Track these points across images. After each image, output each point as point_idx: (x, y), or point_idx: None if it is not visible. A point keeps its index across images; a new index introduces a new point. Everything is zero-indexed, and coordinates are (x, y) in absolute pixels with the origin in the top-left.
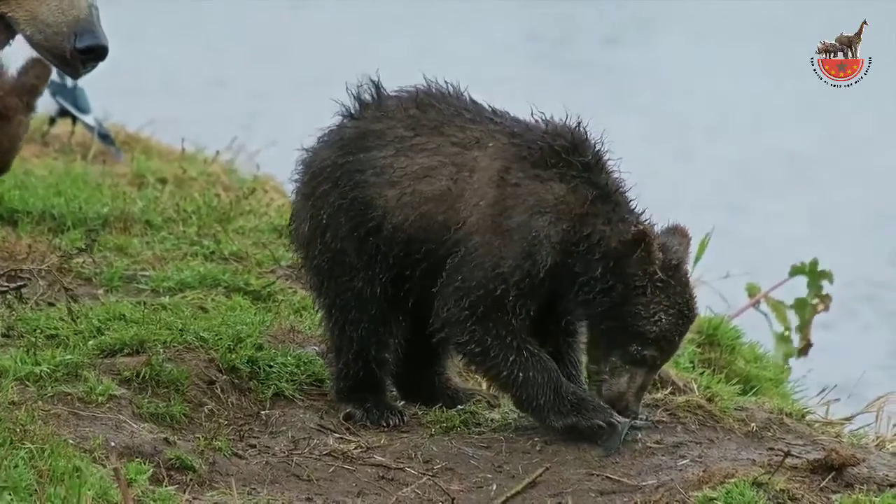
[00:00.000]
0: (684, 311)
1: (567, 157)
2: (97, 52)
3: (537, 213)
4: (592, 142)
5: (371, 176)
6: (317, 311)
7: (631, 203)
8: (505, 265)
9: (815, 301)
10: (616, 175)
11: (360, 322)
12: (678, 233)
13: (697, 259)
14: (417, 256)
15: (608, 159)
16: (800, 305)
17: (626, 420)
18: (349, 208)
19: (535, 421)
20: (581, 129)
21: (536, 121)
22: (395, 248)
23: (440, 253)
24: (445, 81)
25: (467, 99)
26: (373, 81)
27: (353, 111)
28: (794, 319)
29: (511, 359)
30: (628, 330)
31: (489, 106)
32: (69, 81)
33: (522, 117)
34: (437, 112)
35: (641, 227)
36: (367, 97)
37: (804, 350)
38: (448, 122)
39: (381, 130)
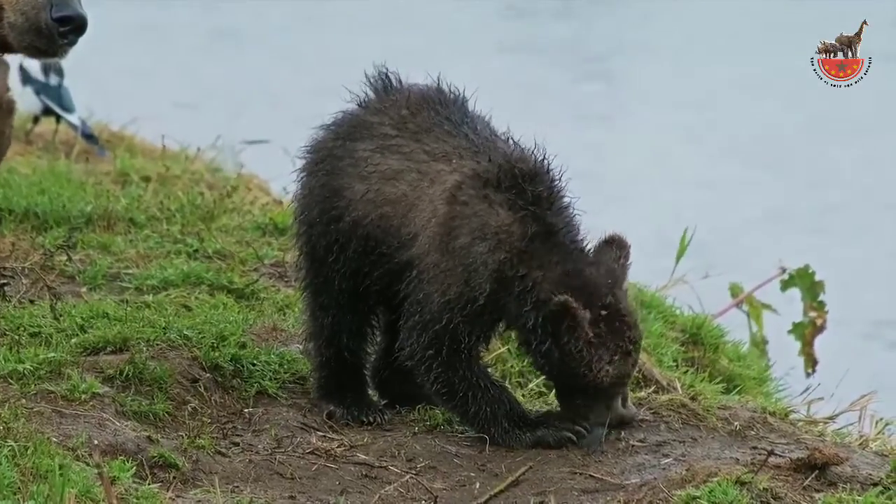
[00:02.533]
0: (628, 348)
1: (522, 183)
2: (75, 23)
3: (478, 237)
4: (551, 174)
5: (348, 166)
6: (300, 294)
7: (574, 245)
8: (451, 291)
9: (813, 315)
10: (567, 212)
11: (330, 308)
12: (615, 244)
13: (679, 257)
14: (373, 257)
15: (562, 195)
16: (797, 329)
17: (596, 426)
18: (319, 194)
19: (503, 445)
20: (543, 158)
21: (507, 140)
22: (352, 241)
23: (394, 259)
24: (449, 85)
25: (460, 106)
26: (383, 72)
27: (361, 99)
28: (795, 344)
29: (478, 396)
30: (579, 381)
31: (480, 116)
32: (53, 80)
33: (504, 137)
34: (423, 118)
35: (561, 299)
36: (380, 87)
37: (812, 368)
38: (428, 131)
39: (373, 124)
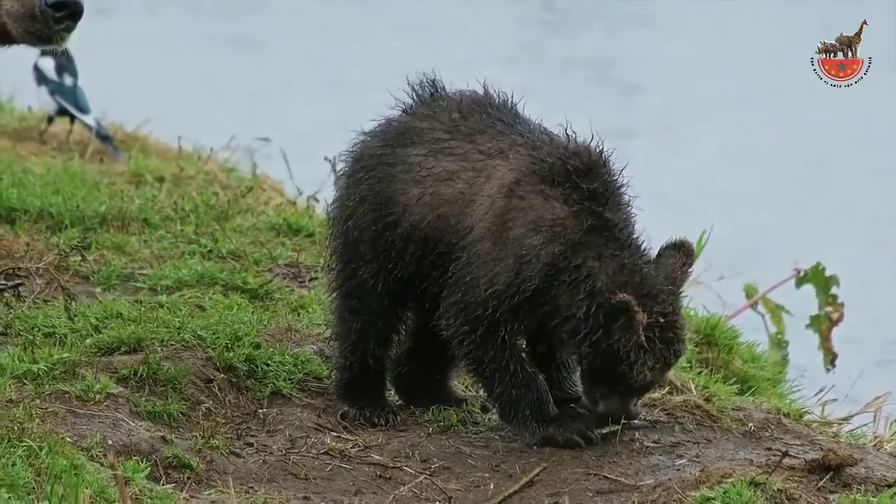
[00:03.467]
0: (671, 360)
1: (576, 178)
2: (70, 8)
3: (533, 230)
4: (607, 169)
5: (400, 172)
6: (328, 295)
7: (631, 240)
8: (499, 281)
9: (829, 310)
10: (625, 209)
11: (361, 313)
12: (681, 249)
13: (695, 257)
14: (431, 258)
15: (621, 190)
16: (814, 322)
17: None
18: (373, 200)
19: (514, 433)
20: (600, 153)
21: (563, 136)
22: (411, 246)
23: (453, 255)
24: (497, 90)
25: (510, 108)
26: (430, 78)
27: (407, 106)
28: (812, 338)
29: (506, 379)
30: (613, 376)
31: (530, 119)
32: (68, 80)
33: (555, 131)
34: (475, 121)
35: (624, 299)
36: (425, 93)
37: (832, 362)
38: (481, 132)
39: (423, 129)
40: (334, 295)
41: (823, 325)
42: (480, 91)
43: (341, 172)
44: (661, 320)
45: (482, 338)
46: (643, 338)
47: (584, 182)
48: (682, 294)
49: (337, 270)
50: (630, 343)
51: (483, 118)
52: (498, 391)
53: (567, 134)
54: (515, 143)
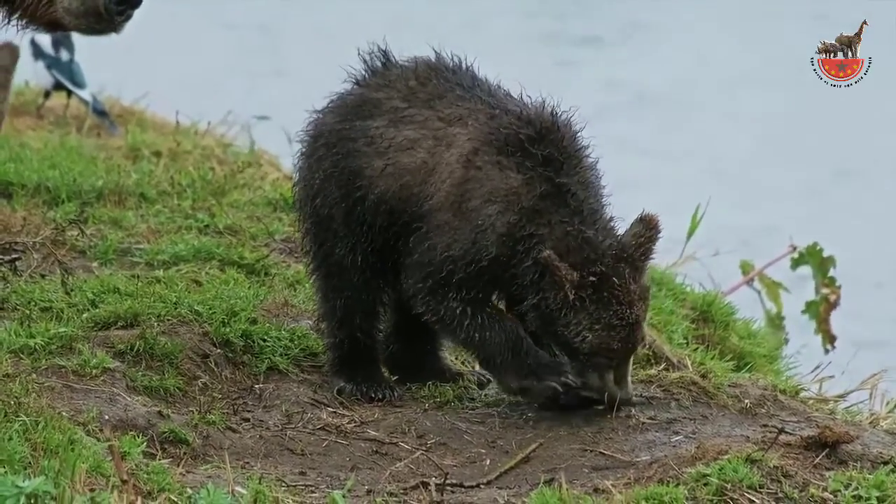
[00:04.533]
0: (613, 322)
1: (528, 146)
2: (131, 2)
3: (488, 201)
4: (563, 133)
5: (363, 145)
6: (309, 277)
7: (584, 206)
8: (455, 248)
9: (826, 291)
10: (584, 172)
11: (343, 290)
12: (644, 223)
13: (690, 234)
14: (396, 228)
15: (580, 153)
16: (811, 307)
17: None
18: (339, 176)
19: (493, 379)
20: (554, 118)
21: (520, 102)
22: (378, 218)
23: (413, 225)
24: (453, 54)
25: (468, 73)
26: (381, 49)
27: (359, 78)
28: (805, 321)
29: (466, 323)
30: (565, 342)
31: (488, 81)
32: (64, 55)
33: (514, 95)
34: (433, 86)
35: (545, 253)
36: (376, 64)
37: (831, 343)
38: (440, 97)
39: (380, 100)
40: (315, 276)
41: (821, 307)
42: (437, 55)
43: (300, 153)
44: (593, 279)
45: (433, 290)
46: (572, 296)
47: (536, 148)
48: (642, 263)
49: (313, 251)
50: (559, 301)
51: (441, 83)
52: (463, 338)
53: (522, 99)
54: (474, 109)
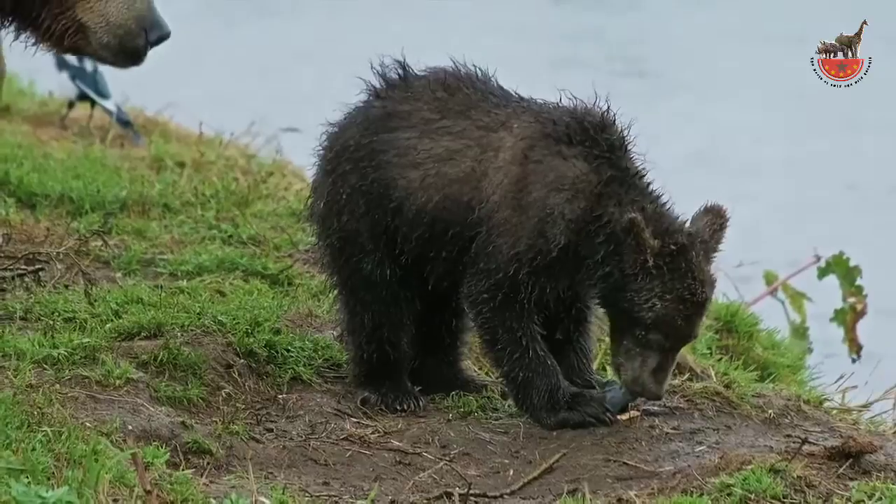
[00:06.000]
0: (685, 295)
1: (594, 134)
2: (166, 39)
3: (554, 189)
4: (619, 125)
5: (393, 157)
6: (330, 291)
7: (650, 188)
8: (521, 244)
9: (852, 300)
10: (638, 161)
11: (371, 304)
12: (713, 213)
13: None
14: (444, 238)
15: (632, 145)
16: (839, 316)
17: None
18: (369, 189)
19: (528, 418)
20: (609, 111)
21: (565, 103)
22: (417, 229)
23: (465, 234)
24: (473, 65)
25: (494, 83)
26: (398, 61)
27: (379, 91)
28: (837, 332)
29: (515, 356)
30: (628, 315)
31: (516, 92)
32: (88, 65)
33: (550, 101)
34: (464, 96)
35: (633, 216)
36: (394, 76)
37: (858, 353)
38: (475, 107)
39: (407, 112)
40: (339, 292)
41: (848, 316)
42: (460, 66)
43: (319, 169)
44: (673, 248)
45: (501, 304)
46: (651, 261)
47: (602, 136)
48: (714, 248)
49: (337, 267)
50: (638, 266)
51: (471, 93)
52: (506, 369)
53: (571, 99)
54: (516, 112)
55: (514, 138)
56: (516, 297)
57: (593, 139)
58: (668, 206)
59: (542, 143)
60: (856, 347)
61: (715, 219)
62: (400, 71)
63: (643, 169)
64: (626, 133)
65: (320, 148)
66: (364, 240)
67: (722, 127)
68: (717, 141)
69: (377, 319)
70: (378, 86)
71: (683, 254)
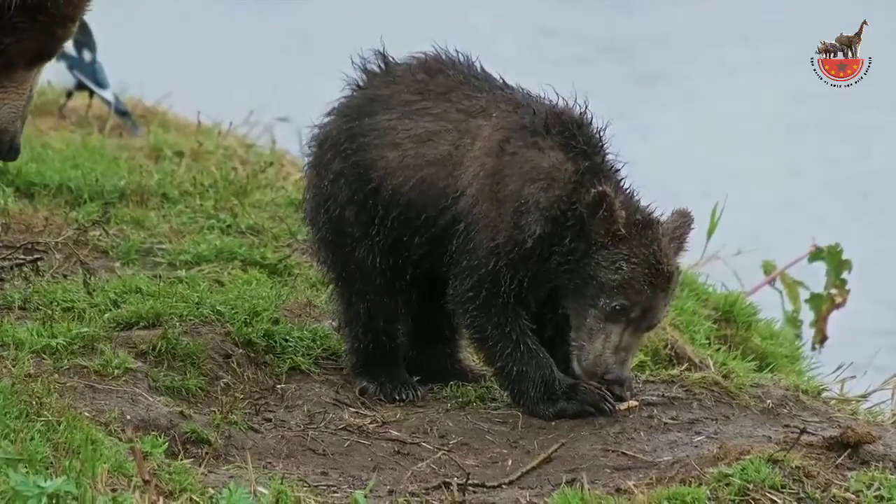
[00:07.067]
0: (651, 261)
1: (572, 128)
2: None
3: (530, 180)
4: (596, 125)
5: (374, 139)
6: (326, 285)
7: (623, 183)
8: (500, 237)
9: (833, 292)
10: (612, 159)
11: (366, 293)
12: (679, 214)
13: (710, 233)
14: (417, 223)
15: (608, 145)
16: (815, 300)
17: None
18: (350, 173)
19: (526, 412)
20: (588, 111)
21: (539, 96)
22: (393, 210)
23: (439, 222)
24: (456, 50)
25: (478, 68)
26: (379, 52)
27: (360, 82)
28: (809, 314)
29: (507, 351)
30: (594, 283)
31: (500, 77)
32: (87, 55)
33: (527, 89)
34: (445, 78)
35: (601, 188)
36: (374, 68)
37: (821, 342)
38: (456, 89)
39: (388, 95)
40: (334, 285)
41: (824, 305)
42: (441, 50)
43: (307, 164)
44: (640, 220)
45: (485, 301)
46: (620, 227)
47: (579, 131)
48: (680, 243)
49: (330, 260)
50: (609, 234)
51: (453, 75)
52: (500, 366)
53: (554, 95)
54: (496, 100)
55: (491, 128)
56: (498, 292)
57: (571, 133)
58: (638, 200)
59: (518, 134)
60: (821, 336)
61: (681, 219)
62: (381, 62)
63: (618, 165)
64: (603, 133)
65: (310, 143)
66: (351, 228)
67: (721, 122)
68: (716, 134)
69: (372, 310)
70: (359, 78)
71: (651, 226)
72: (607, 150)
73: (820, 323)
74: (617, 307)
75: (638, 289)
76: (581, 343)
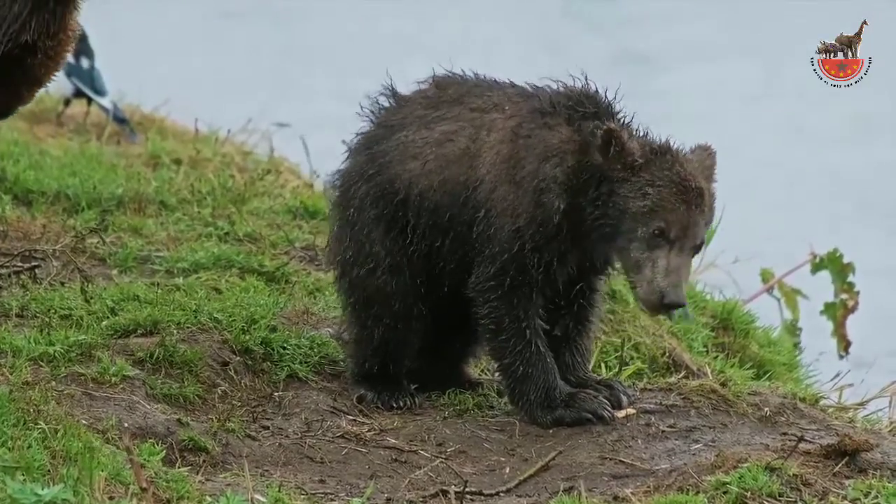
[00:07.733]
0: (675, 179)
1: (579, 100)
2: None
3: (544, 158)
4: (611, 105)
5: (394, 156)
6: (343, 309)
7: (628, 123)
8: (521, 219)
9: (844, 297)
10: (626, 121)
11: (382, 318)
12: (701, 148)
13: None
14: (444, 224)
15: (618, 109)
16: (829, 310)
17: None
18: (375, 192)
19: (524, 416)
20: (595, 87)
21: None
22: (422, 216)
23: (463, 217)
24: (462, 69)
25: (485, 77)
26: (389, 88)
27: (373, 117)
28: (826, 324)
29: (518, 348)
30: (627, 217)
31: (509, 80)
32: (85, 63)
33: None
34: (456, 87)
35: (607, 126)
36: (385, 102)
37: (846, 349)
38: (468, 93)
39: (402, 117)
40: (351, 308)
41: (838, 312)
42: (443, 72)
43: (332, 207)
44: (656, 147)
45: (509, 290)
46: (638, 157)
47: (586, 105)
48: (707, 175)
49: (349, 283)
50: (626, 167)
51: (463, 84)
52: (508, 363)
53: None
54: (508, 95)
55: (504, 118)
56: (524, 280)
57: (578, 102)
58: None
59: (530, 117)
60: (844, 343)
61: (703, 151)
62: (392, 98)
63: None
64: (614, 102)
65: (334, 187)
66: (379, 247)
67: (720, 123)
68: (715, 137)
69: (386, 336)
70: (371, 115)
71: (668, 151)
72: (619, 115)
73: (839, 330)
74: (655, 231)
75: (670, 208)
76: (633, 279)
